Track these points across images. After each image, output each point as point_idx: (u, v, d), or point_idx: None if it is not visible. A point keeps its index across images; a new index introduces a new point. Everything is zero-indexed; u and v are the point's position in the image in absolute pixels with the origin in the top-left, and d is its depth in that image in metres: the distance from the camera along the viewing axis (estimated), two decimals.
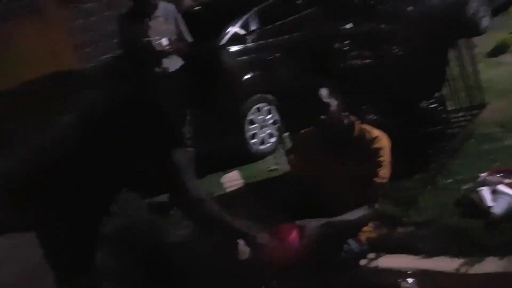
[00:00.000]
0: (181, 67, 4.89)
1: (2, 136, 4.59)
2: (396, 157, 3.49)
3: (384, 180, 3.46)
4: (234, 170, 5.96)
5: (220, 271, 3.44)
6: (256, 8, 6.55)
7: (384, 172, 3.45)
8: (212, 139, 5.71)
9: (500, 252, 3.25)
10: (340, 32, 4.73)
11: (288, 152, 4.91)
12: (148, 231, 3.19)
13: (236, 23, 6.34)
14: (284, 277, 3.23)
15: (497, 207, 3.57)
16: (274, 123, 5.69)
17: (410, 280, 3.30)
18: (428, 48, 4.48)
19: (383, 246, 3.61)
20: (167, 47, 5.16)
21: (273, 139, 6.31)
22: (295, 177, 3.83)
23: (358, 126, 3.54)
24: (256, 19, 6.45)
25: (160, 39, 5.18)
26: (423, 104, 4.68)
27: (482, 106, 5.08)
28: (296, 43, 5.18)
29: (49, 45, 11.25)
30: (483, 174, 3.96)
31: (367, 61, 4.47)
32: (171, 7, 5.61)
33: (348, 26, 4.84)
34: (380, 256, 3.56)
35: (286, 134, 5.41)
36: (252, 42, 5.36)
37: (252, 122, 6.17)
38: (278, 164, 5.80)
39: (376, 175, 3.42)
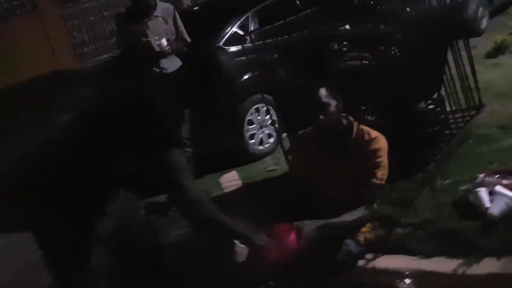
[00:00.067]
0: (180, 67, 4.90)
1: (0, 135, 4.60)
2: (394, 158, 3.50)
3: (382, 181, 3.46)
4: (232, 170, 5.97)
5: (218, 272, 3.45)
6: (255, 9, 6.56)
7: (382, 173, 3.45)
8: (211, 139, 5.71)
9: (498, 253, 3.26)
10: (338, 33, 4.73)
11: (286, 153, 4.91)
12: (146, 231, 3.19)
13: (235, 23, 6.35)
14: (282, 278, 3.23)
15: (495, 208, 3.57)
16: (273, 123, 5.69)
17: (407, 280, 3.32)
18: (426, 49, 4.49)
19: (380, 247, 3.62)
20: (167, 48, 5.16)
21: (271, 140, 6.32)
22: (293, 178, 3.83)
23: (357, 127, 3.54)
24: (255, 20, 6.46)
25: (160, 39, 5.18)
26: (421, 105, 4.69)
27: (480, 107, 5.09)
28: (295, 43, 5.16)
29: (47, 45, 11.27)
30: (480, 175, 3.97)
31: (366, 62, 4.47)
32: (170, 7, 5.62)
33: (347, 27, 4.84)
34: (378, 257, 3.56)
35: (285, 134, 5.42)
36: (251, 42, 5.35)
37: (251, 123, 6.17)
38: (277, 165, 5.81)
39: (374, 176, 3.42)
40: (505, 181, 3.81)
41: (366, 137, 3.50)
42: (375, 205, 3.55)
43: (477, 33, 8.49)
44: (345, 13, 4.88)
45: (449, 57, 4.88)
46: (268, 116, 6.14)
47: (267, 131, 6.31)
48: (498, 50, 7.46)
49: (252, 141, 6.19)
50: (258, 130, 6.25)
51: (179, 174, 2.63)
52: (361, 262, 3.53)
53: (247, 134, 6.14)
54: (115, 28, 5.86)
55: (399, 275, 3.39)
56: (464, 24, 7.14)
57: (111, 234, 2.79)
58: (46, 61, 10.49)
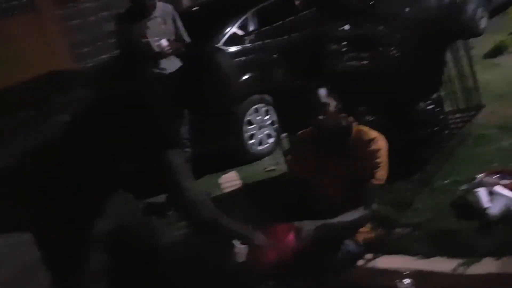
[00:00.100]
0: (179, 67, 4.91)
1: None
2: (393, 158, 3.50)
3: (381, 182, 3.46)
4: (232, 170, 5.97)
5: (218, 272, 3.45)
6: (254, 9, 6.56)
7: (381, 174, 3.45)
8: (210, 140, 5.72)
9: (497, 253, 3.26)
10: (338, 33, 4.73)
11: (286, 153, 4.91)
12: (146, 231, 3.19)
13: (234, 23, 6.36)
14: (282, 278, 3.23)
15: (494, 208, 3.58)
16: (272, 123, 5.70)
17: (407, 280, 3.32)
18: (425, 49, 4.49)
19: (380, 247, 3.62)
20: (167, 48, 5.17)
21: (271, 140, 6.32)
22: (292, 178, 3.83)
23: (356, 127, 3.54)
24: (254, 20, 6.47)
25: (159, 40, 5.18)
26: (421, 105, 4.69)
27: (479, 107, 5.10)
28: (294, 44, 5.18)
29: (46, 45, 11.26)
30: (479, 176, 3.98)
31: (365, 62, 4.47)
32: (169, 7, 5.62)
33: (346, 27, 4.85)
34: (377, 257, 3.56)
35: (284, 135, 5.42)
36: (250, 42, 5.37)
37: (250, 123, 6.18)
38: (276, 165, 5.82)
39: (373, 176, 3.42)
40: (504, 181, 3.82)
41: (365, 137, 3.50)
42: (374, 205, 3.55)
43: (477, 33, 8.50)
44: (344, 14, 4.88)
45: (449, 57, 4.88)
46: (267, 117, 6.14)
47: (266, 132, 6.32)
48: (497, 50, 7.47)
49: (252, 141, 6.20)
50: (257, 131, 6.25)
51: (178, 174, 2.63)
52: (360, 262, 3.53)
53: (247, 135, 6.15)
54: (115, 28, 5.86)
55: (398, 275, 3.38)
56: (463, 25, 7.17)
57: (111, 234, 2.78)
58: (46, 61, 10.47)
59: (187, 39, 5.46)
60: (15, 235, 3.10)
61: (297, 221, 3.20)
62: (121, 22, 5.67)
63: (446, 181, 4.24)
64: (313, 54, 4.58)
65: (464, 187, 4.02)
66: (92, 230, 2.70)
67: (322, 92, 3.40)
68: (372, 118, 4.42)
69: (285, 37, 4.97)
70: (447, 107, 5.02)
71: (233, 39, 6.10)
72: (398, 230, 3.83)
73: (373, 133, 3.51)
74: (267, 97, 5.83)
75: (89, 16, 12.33)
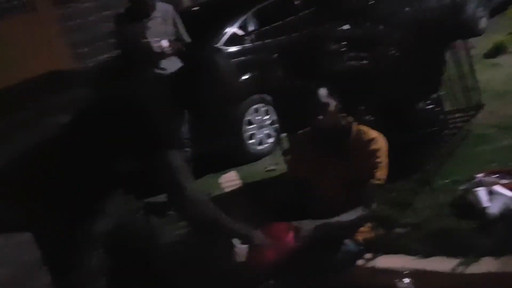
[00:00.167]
0: (179, 68, 4.92)
1: None
2: (393, 158, 3.50)
3: (381, 181, 3.46)
4: (232, 170, 5.97)
5: (217, 271, 3.45)
6: (254, 9, 6.57)
7: (381, 174, 3.45)
8: (210, 140, 5.72)
9: (496, 252, 3.26)
10: (337, 33, 4.74)
11: (285, 153, 4.92)
12: (145, 231, 3.19)
13: (234, 23, 6.36)
14: (282, 277, 3.23)
15: (493, 208, 3.58)
16: (272, 123, 5.70)
17: (406, 280, 3.32)
18: (425, 49, 4.49)
19: (380, 247, 3.62)
20: (167, 49, 5.17)
21: (271, 140, 6.33)
22: (292, 178, 3.84)
23: (356, 127, 3.55)
24: (255, 20, 6.47)
25: (159, 40, 5.18)
26: (420, 105, 4.70)
27: (479, 107, 5.10)
28: (294, 44, 5.18)
29: (45, 45, 11.26)
30: (479, 175, 3.98)
31: (365, 62, 4.48)
32: (169, 7, 5.62)
33: (346, 27, 4.85)
34: (377, 257, 3.57)
35: (284, 134, 5.43)
36: (250, 42, 5.37)
37: (250, 123, 6.19)
38: (276, 165, 5.82)
39: (373, 176, 3.42)
40: (503, 181, 3.82)
41: (365, 137, 3.50)
42: (374, 205, 3.55)
43: (477, 33, 8.51)
44: (344, 13, 4.88)
45: (448, 57, 4.88)
46: (267, 116, 6.15)
47: (266, 131, 6.32)
48: (497, 50, 7.47)
49: (251, 141, 6.20)
50: (257, 130, 6.26)
51: (178, 174, 2.63)
52: (360, 262, 3.54)
53: (246, 134, 6.15)
54: (115, 28, 5.86)
55: (398, 274, 3.39)
56: (463, 24, 7.17)
57: (110, 234, 2.78)
58: (46, 61, 10.47)
59: (187, 39, 5.46)
60: (15, 235, 3.11)
61: (296, 220, 3.21)
62: (121, 22, 5.66)
63: (446, 181, 4.25)
64: (313, 54, 4.58)
65: (463, 186, 4.01)
66: (92, 230, 2.71)
67: (322, 92, 3.40)
68: (372, 118, 4.43)
69: (285, 37, 4.97)
70: (447, 107, 5.02)
71: (233, 39, 6.11)
72: (397, 229, 3.83)
73: (373, 133, 3.51)
74: (267, 97, 5.83)
75: (88, 16, 12.33)
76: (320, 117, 3.37)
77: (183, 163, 2.69)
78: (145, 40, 5.18)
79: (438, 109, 4.81)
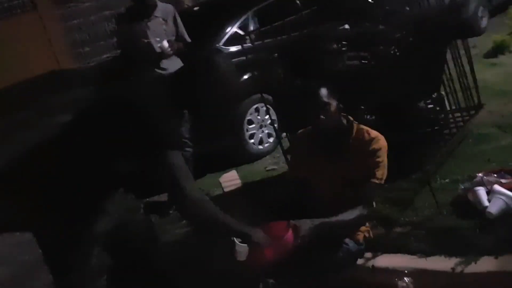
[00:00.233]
0: (179, 68, 4.93)
1: None
2: (393, 157, 3.50)
3: (382, 181, 3.46)
4: (232, 170, 5.98)
5: (218, 270, 3.46)
6: (255, 8, 6.57)
7: (382, 173, 3.45)
8: (211, 139, 5.73)
9: (496, 251, 3.28)
10: (338, 33, 4.74)
11: (286, 152, 4.92)
12: (146, 231, 3.20)
13: (235, 23, 6.36)
14: (282, 276, 3.24)
15: (493, 207, 3.59)
16: (272, 123, 5.70)
17: (406, 279, 3.33)
18: (425, 48, 4.49)
19: (380, 246, 3.63)
20: (168, 49, 5.17)
21: (271, 139, 6.33)
22: (292, 177, 3.84)
23: (356, 126, 3.55)
24: (255, 20, 6.47)
25: (160, 40, 5.18)
26: (421, 104, 4.70)
27: (479, 106, 5.10)
28: (294, 43, 5.19)
29: (47, 44, 11.27)
30: (479, 174, 3.99)
31: (365, 61, 4.48)
32: (170, 7, 5.62)
33: (346, 26, 4.85)
34: (377, 256, 3.58)
35: (285, 134, 5.43)
36: (250, 42, 5.36)
37: (250, 122, 6.19)
38: (276, 164, 5.83)
39: (373, 175, 3.42)
40: (503, 180, 3.83)
41: (366, 136, 3.50)
42: (374, 204, 3.56)
43: (477, 32, 8.51)
44: (345, 13, 4.89)
45: (448, 56, 4.89)
46: (267, 116, 6.15)
47: (266, 131, 6.32)
48: (497, 50, 7.48)
49: (252, 140, 6.20)
50: (257, 130, 6.26)
51: (178, 174, 2.63)
52: (360, 261, 3.55)
53: (247, 134, 6.16)
54: (116, 28, 5.87)
55: (398, 273, 3.40)
56: (463, 24, 7.17)
57: (111, 233, 2.79)
58: (46, 61, 10.49)
59: (188, 39, 5.47)
60: (15, 235, 3.11)
61: (296, 220, 3.20)
62: (122, 22, 5.67)
63: (446, 180, 4.25)
64: (313, 54, 4.58)
65: (463, 186, 4.02)
66: (92, 230, 2.71)
67: (323, 92, 3.40)
68: (372, 117, 4.43)
69: (285, 37, 4.96)
70: (447, 106, 5.02)
71: (234, 39, 6.11)
72: (398, 229, 3.84)
73: (373, 133, 3.51)
74: (268, 96, 5.83)
75: (90, 16, 12.34)
76: (322, 116, 3.37)
77: (183, 163, 2.69)
78: (147, 40, 5.18)
79: (438, 108, 4.81)
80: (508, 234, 3.37)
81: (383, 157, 3.45)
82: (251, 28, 6.33)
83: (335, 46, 4.59)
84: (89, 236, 2.68)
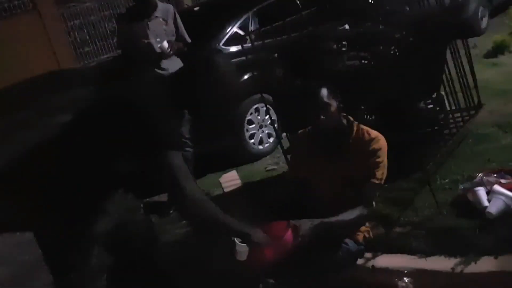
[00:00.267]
0: (179, 68, 4.94)
1: None
2: (393, 157, 3.51)
3: (381, 181, 3.46)
4: (232, 170, 5.98)
5: (218, 270, 3.46)
6: (255, 9, 6.57)
7: (381, 173, 3.45)
8: (211, 139, 5.73)
9: (495, 251, 3.28)
10: (337, 33, 4.74)
11: (286, 152, 4.92)
12: (146, 231, 3.20)
13: (235, 23, 6.36)
14: (282, 276, 3.24)
15: (493, 207, 3.60)
16: (273, 123, 5.70)
17: (406, 279, 3.33)
18: (426, 48, 4.49)
19: (380, 246, 3.63)
20: (168, 50, 5.17)
21: (271, 139, 6.33)
22: (293, 177, 3.84)
23: (357, 126, 3.55)
24: (255, 20, 6.47)
25: (161, 40, 5.18)
26: (421, 104, 4.70)
27: (479, 106, 5.10)
28: (294, 43, 5.19)
29: (47, 44, 11.28)
30: (479, 174, 3.99)
31: (365, 61, 4.48)
32: (170, 7, 5.62)
33: (346, 26, 4.85)
34: (377, 256, 3.58)
35: (285, 134, 5.43)
36: (251, 42, 5.36)
37: (250, 122, 6.19)
38: (276, 164, 5.83)
39: (373, 175, 3.42)
40: (503, 180, 3.83)
41: (366, 137, 3.50)
42: (374, 204, 3.56)
43: (477, 32, 8.52)
44: (345, 13, 4.89)
45: (448, 56, 4.89)
46: (267, 116, 6.15)
47: (266, 131, 6.32)
48: (497, 50, 7.48)
49: (252, 140, 6.20)
50: (257, 130, 6.26)
51: (178, 174, 2.63)
52: (360, 261, 3.55)
53: (247, 134, 6.16)
54: (116, 28, 5.87)
55: (398, 273, 3.41)
56: (463, 24, 7.18)
57: (111, 233, 2.79)
58: (46, 61, 10.49)
59: (188, 39, 5.47)
60: (15, 235, 3.11)
61: (296, 220, 3.21)
62: (122, 22, 5.67)
63: (446, 180, 4.26)
64: (313, 54, 4.58)
65: (463, 186, 4.03)
66: (92, 230, 2.71)
67: (323, 92, 3.40)
68: (372, 117, 4.43)
69: (285, 37, 4.96)
70: (447, 107, 5.02)
71: (234, 39, 6.11)
72: (397, 229, 3.84)
73: (374, 133, 3.51)
74: (268, 96, 5.83)
75: (90, 16, 12.36)
76: (322, 117, 3.37)
77: (183, 163, 2.69)
78: (146, 40, 5.18)
79: (438, 108, 4.82)
80: (507, 234, 3.37)
81: (383, 157, 3.45)
82: (251, 28, 6.33)
83: (335, 46, 4.59)
84: (89, 236, 2.69)
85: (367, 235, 3.60)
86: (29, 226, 2.73)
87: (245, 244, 2.92)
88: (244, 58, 5.44)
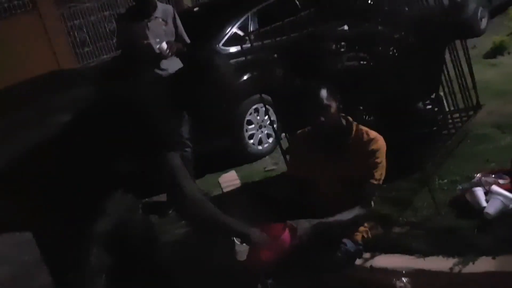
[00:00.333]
0: (179, 69, 4.95)
1: None
2: (392, 158, 3.52)
3: (380, 182, 3.48)
4: (231, 170, 5.99)
5: (217, 270, 3.47)
6: (254, 9, 6.58)
7: (380, 174, 3.46)
8: (210, 140, 5.73)
9: (494, 251, 3.28)
10: (337, 33, 4.75)
11: (285, 152, 4.93)
12: (146, 231, 3.20)
13: (234, 24, 6.37)
14: (280, 276, 3.25)
15: (491, 208, 3.60)
16: (272, 123, 5.71)
17: (404, 279, 3.34)
18: (424, 49, 4.50)
19: (378, 246, 3.64)
20: (167, 52, 5.17)
21: (270, 140, 6.34)
22: (292, 177, 3.85)
23: (356, 127, 3.56)
24: (255, 20, 6.48)
25: (160, 41, 5.19)
26: (419, 105, 4.70)
27: (478, 107, 5.11)
28: (294, 44, 5.20)
29: (47, 45, 11.28)
30: (478, 175, 4.00)
31: (364, 62, 4.49)
32: (170, 8, 5.63)
33: (345, 27, 4.86)
34: (375, 256, 3.58)
35: (284, 134, 5.44)
36: (250, 43, 5.37)
37: (250, 123, 6.20)
38: (276, 164, 5.84)
39: (372, 176, 3.43)
40: (501, 181, 3.84)
41: (365, 137, 3.51)
42: (372, 205, 3.57)
43: (477, 33, 8.53)
44: (344, 14, 4.89)
45: (447, 57, 4.89)
46: (267, 116, 6.16)
47: (266, 131, 6.33)
48: (496, 51, 7.49)
49: (251, 141, 6.21)
50: (257, 130, 6.27)
51: (177, 174, 2.64)
52: (358, 261, 3.55)
53: (246, 134, 6.17)
54: (116, 28, 5.87)
55: (396, 273, 3.41)
56: (463, 24, 7.18)
57: (111, 233, 2.80)
58: (46, 61, 10.50)
59: (187, 40, 5.47)
60: (15, 235, 3.12)
61: (295, 220, 3.21)
62: (122, 22, 5.68)
63: (445, 181, 4.26)
64: (313, 54, 4.59)
65: (462, 186, 4.04)
66: (92, 230, 2.72)
67: (322, 92, 3.41)
68: (371, 118, 4.44)
69: (285, 37, 4.97)
70: (446, 107, 5.03)
71: (234, 39, 6.12)
72: (396, 229, 3.84)
73: (373, 133, 3.52)
74: (267, 97, 5.84)
75: (90, 16, 12.36)
76: (321, 117, 3.38)
77: (182, 163, 2.70)
78: (146, 41, 5.19)
79: (437, 109, 4.82)
80: (506, 235, 3.38)
81: (382, 158, 3.46)
82: (251, 28, 6.34)
83: (334, 46, 4.60)
84: (89, 236, 2.69)
85: (365, 235, 3.61)
86: (29, 226, 2.74)
87: (244, 244, 2.93)
88: (243, 58, 5.45)
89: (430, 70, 4.66)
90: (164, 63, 5.23)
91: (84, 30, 12.25)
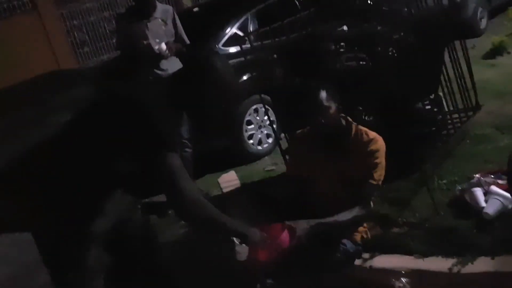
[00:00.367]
0: (178, 69, 4.95)
1: None
2: (391, 158, 3.52)
3: (379, 182, 3.48)
4: (231, 170, 5.99)
5: (216, 271, 3.47)
6: (254, 9, 6.58)
7: (379, 174, 3.47)
8: (210, 140, 5.74)
9: (492, 252, 3.30)
10: (336, 34, 4.75)
11: (284, 153, 4.93)
12: (145, 231, 3.21)
13: (234, 24, 6.37)
14: (280, 276, 3.25)
15: (490, 208, 3.61)
16: (271, 123, 5.72)
17: (403, 279, 3.34)
18: (424, 49, 4.50)
19: (377, 246, 3.65)
20: (166, 52, 5.18)
21: (270, 140, 6.34)
22: (291, 178, 3.85)
23: (355, 127, 3.56)
24: (254, 20, 6.49)
25: (160, 42, 5.19)
26: (419, 105, 4.71)
27: (477, 107, 5.11)
28: (293, 44, 5.21)
29: (47, 45, 11.28)
30: (477, 175, 4.01)
31: (363, 62, 4.49)
32: (169, 8, 5.64)
33: (345, 27, 4.86)
34: (375, 256, 3.59)
35: (283, 134, 5.44)
36: (250, 43, 5.37)
37: (249, 123, 6.20)
38: (275, 165, 5.84)
39: (371, 176, 3.44)
40: (500, 181, 3.84)
41: (365, 137, 3.52)
42: (372, 205, 3.57)
43: (476, 33, 8.52)
44: (344, 14, 4.89)
45: (447, 57, 4.90)
46: (266, 117, 6.16)
47: (265, 132, 6.33)
48: (496, 51, 7.48)
49: (251, 141, 6.22)
50: (256, 131, 6.27)
51: (177, 175, 2.64)
52: (358, 261, 3.56)
53: (246, 134, 6.17)
54: (115, 28, 5.88)
55: (395, 274, 3.42)
56: (462, 25, 7.18)
57: (110, 233, 2.80)
58: (46, 61, 10.50)
59: (186, 40, 5.48)
60: (15, 235, 3.12)
61: (295, 220, 3.22)
62: (122, 22, 5.68)
63: (444, 181, 4.26)
64: (313, 55, 4.59)
65: (461, 186, 4.04)
66: (92, 230, 2.72)
67: (323, 94, 3.41)
68: (370, 118, 4.44)
69: (285, 37, 4.98)
70: (445, 107, 5.03)
71: (234, 40, 6.12)
72: (395, 229, 3.85)
73: (372, 134, 3.53)
74: (267, 97, 5.84)
75: (90, 16, 12.36)
76: (321, 117, 3.39)
77: (181, 164, 2.70)
78: (146, 41, 5.19)
79: (436, 109, 4.83)
80: (504, 235, 3.39)
81: (381, 158, 3.47)
82: (251, 29, 6.34)
83: (333, 47, 4.60)
84: (89, 236, 2.69)
85: (364, 236, 3.62)
86: (29, 226, 2.74)
87: (244, 244, 2.93)
88: (243, 58, 5.46)
89: (429, 71, 4.67)
90: (164, 64, 5.24)
91: (84, 30, 12.24)
